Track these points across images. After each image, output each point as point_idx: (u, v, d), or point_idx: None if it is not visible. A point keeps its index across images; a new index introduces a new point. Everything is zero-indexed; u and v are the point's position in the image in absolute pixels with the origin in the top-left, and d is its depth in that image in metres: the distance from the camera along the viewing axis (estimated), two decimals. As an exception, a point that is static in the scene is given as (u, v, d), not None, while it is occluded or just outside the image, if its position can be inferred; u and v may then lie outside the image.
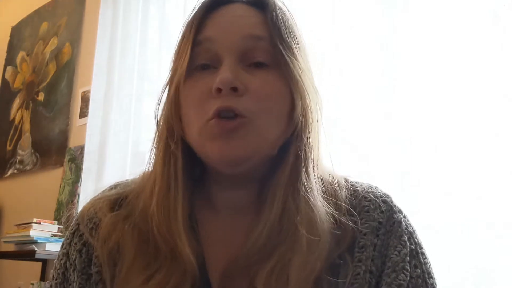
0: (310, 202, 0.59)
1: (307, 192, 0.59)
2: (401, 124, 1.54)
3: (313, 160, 0.62)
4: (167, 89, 0.65)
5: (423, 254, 0.62)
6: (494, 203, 1.34)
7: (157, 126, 0.65)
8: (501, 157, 1.36)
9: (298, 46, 0.64)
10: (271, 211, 0.59)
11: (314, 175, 0.62)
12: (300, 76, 0.61)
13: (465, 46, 1.47)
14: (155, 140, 0.65)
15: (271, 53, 0.61)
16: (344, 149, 1.57)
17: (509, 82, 1.39)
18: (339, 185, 0.64)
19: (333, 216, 0.60)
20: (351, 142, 1.59)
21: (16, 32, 3.58)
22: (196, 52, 0.62)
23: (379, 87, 1.61)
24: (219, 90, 0.58)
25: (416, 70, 1.55)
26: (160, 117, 0.65)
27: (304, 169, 0.61)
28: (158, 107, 0.65)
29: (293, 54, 0.62)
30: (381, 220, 0.61)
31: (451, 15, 1.52)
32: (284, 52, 0.61)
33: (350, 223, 0.60)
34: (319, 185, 0.62)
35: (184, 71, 0.61)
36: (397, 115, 1.56)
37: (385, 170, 1.52)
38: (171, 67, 0.66)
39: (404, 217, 0.64)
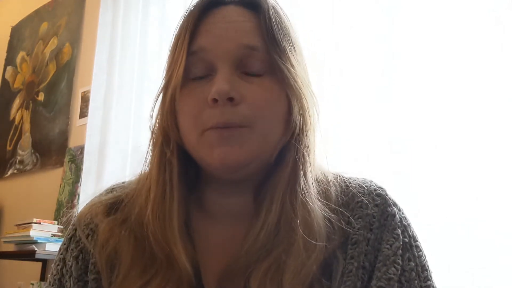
0: (307, 206, 0.59)
1: (305, 195, 0.59)
2: (401, 124, 1.54)
3: (310, 163, 0.62)
4: (161, 96, 0.65)
5: (417, 247, 0.61)
6: (494, 203, 1.34)
7: (152, 132, 0.65)
8: (501, 157, 1.36)
9: (293, 48, 0.63)
10: (269, 214, 0.59)
11: (312, 178, 0.62)
12: (295, 81, 0.61)
13: (465, 46, 1.47)
14: (150, 147, 0.65)
15: (266, 61, 0.61)
16: (344, 149, 1.57)
17: (509, 82, 1.39)
18: (331, 183, 0.64)
19: (327, 215, 0.60)
20: (351, 142, 1.59)
21: (16, 32, 3.58)
22: (191, 61, 0.61)
23: (379, 87, 1.61)
24: (215, 100, 0.58)
25: (416, 70, 1.55)
26: (155, 124, 0.64)
27: (302, 172, 0.61)
28: (153, 114, 0.65)
29: (288, 59, 0.61)
30: (375, 214, 0.61)
31: (451, 15, 1.52)
32: (278, 59, 0.60)
33: (343, 222, 0.60)
34: (316, 187, 0.62)
35: (179, 80, 0.60)
36: (397, 115, 1.56)
37: (385, 170, 1.52)
38: (164, 75, 0.65)
39: (399, 210, 0.63)
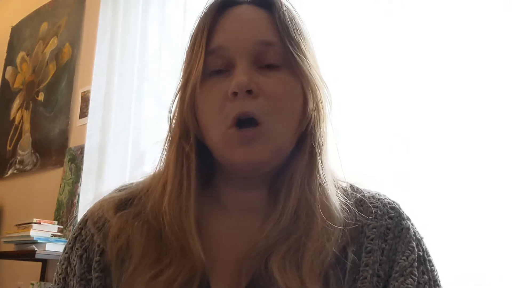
0: (326, 191, 0.61)
1: (323, 181, 0.62)
2: (401, 124, 1.54)
3: (325, 152, 0.65)
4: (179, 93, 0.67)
5: (430, 261, 0.63)
6: (494, 203, 1.34)
7: (170, 129, 0.66)
8: (502, 157, 1.36)
9: (306, 43, 0.66)
10: (288, 200, 0.61)
11: (327, 165, 0.65)
12: (310, 73, 0.64)
13: (466, 46, 1.47)
14: (167, 142, 0.67)
15: (282, 55, 0.63)
16: (345, 148, 1.56)
17: (510, 82, 1.39)
18: (344, 192, 0.66)
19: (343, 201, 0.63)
20: (351, 142, 1.59)
21: (16, 32, 3.58)
22: (209, 59, 0.63)
23: (380, 87, 1.61)
24: (235, 93, 0.60)
25: (416, 70, 1.55)
26: (172, 120, 0.66)
27: (319, 160, 0.63)
28: (171, 110, 0.67)
29: (301, 51, 0.64)
30: (389, 226, 0.63)
31: (451, 14, 1.52)
32: (293, 51, 0.63)
33: (357, 215, 0.62)
34: (331, 177, 0.65)
35: (199, 75, 0.62)
36: (397, 115, 1.56)
37: (385, 169, 1.52)
38: (183, 72, 0.67)
39: (412, 224, 0.65)
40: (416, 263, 0.60)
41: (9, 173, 3.19)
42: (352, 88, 1.65)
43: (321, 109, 0.65)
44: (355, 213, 0.62)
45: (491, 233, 1.33)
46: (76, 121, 2.81)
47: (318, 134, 0.64)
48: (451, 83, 1.48)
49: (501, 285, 1.31)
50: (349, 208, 0.62)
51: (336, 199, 0.62)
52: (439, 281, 0.62)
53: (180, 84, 0.66)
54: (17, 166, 3.14)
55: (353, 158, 1.54)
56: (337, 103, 1.60)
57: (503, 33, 1.42)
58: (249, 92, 0.60)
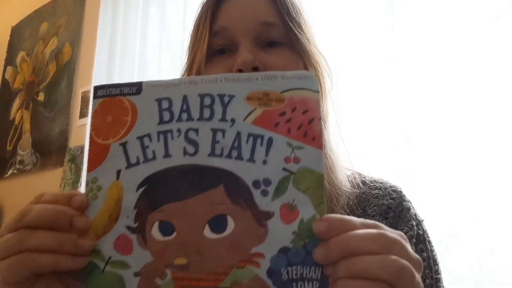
0: (331, 159, 0.64)
1: (328, 150, 0.64)
2: (404, 121, 1.54)
3: (328, 128, 0.67)
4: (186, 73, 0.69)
5: (429, 242, 0.64)
6: (497, 201, 1.34)
7: None
8: (505, 154, 1.36)
9: (306, 24, 0.68)
10: None
11: (332, 139, 0.67)
12: (310, 49, 0.66)
13: (466, 45, 1.47)
14: None
15: (283, 34, 0.65)
16: (346, 145, 1.56)
17: (509, 81, 1.39)
18: (347, 177, 0.68)
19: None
20: (353, 139, 1.59)
21: (16, 32, 3.58)
22: (213, 40, 0.66)
23: (382, 84, 1.61)
24: (240, 71, 0.61)
25: (419, 67, 1.55)
26: None
27: (325, 132, 0.65)
28: None
29: (302, 29, 0.66)
30: (390, 205, 0.64)
31: (452, 14, 1.52)
32: (294, 29, 0.65)
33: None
34: (335, 154, 0.67)
35: (204, 55, 0.64)
36: (400, 112, 1.56)
37: (387, 167, 1.52)
38: (187, 54, 0.69)
39: (413, 207, 0.67)
40: (414, 240, 0.61)
41: (9, 173, 3.19)
42: (355, 85, 1.65)
43: (323, 84, 0.66)
44: (359, 185, 0.65)
45: (494, 230, 1.33)
46: (76, 121, 2.81)
47: (321, 110, 0.65)
48: (454, 80, 1.48)
49: (504, 283, 1.30)
50: (353, 180, 0.65)
51: (341, 169, 0.64)
52: (438, 261, 0.63)
53: (185, 66, 0.68)
54: (17, 166, 3.14)
55: (355, 155, 1.54)
56: (339, 101, 1.60)
57: (506, 31, 1.42)
58: (255, 69, 0.61)
